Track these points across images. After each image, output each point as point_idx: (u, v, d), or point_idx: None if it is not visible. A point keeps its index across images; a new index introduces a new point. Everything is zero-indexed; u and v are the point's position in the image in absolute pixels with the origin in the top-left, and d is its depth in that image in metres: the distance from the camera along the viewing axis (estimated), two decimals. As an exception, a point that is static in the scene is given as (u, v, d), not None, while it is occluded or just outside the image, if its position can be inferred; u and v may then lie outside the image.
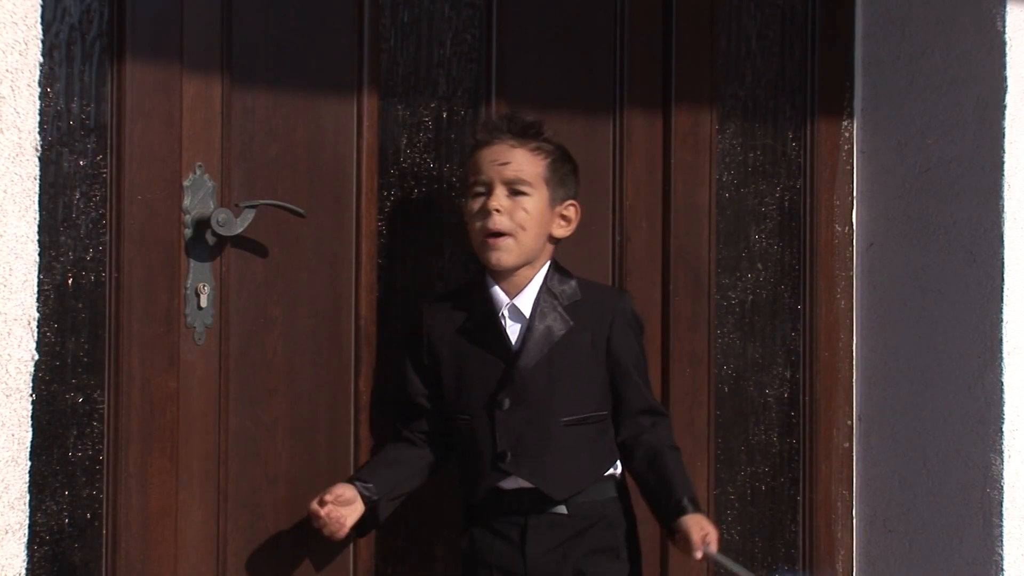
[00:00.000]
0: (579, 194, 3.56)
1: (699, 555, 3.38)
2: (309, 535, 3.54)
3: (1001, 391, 3.92)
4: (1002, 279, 3.92)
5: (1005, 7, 3.91)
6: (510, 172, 3.46)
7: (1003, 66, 3.91)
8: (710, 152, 4.01)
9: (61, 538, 3.27)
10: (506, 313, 3.49)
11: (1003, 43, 3.91)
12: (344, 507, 3.39)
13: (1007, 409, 3.92)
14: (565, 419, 3.47)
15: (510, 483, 3.47)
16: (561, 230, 3.53)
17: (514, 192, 3.46)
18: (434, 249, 3.70)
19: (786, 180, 4.13)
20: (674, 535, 3.45)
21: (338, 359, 3.58)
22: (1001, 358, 3.92)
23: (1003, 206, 3.92)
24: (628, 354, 3.53)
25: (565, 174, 3.53)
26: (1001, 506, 3.93)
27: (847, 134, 4.19)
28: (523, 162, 3.47)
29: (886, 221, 4.14)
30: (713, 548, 3.38)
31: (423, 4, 3.68)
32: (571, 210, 3.54)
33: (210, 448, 3.43)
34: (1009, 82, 3.91)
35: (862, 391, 4.19)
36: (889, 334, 4.13)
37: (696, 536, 3.38)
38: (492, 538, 3.48)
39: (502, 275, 3.49)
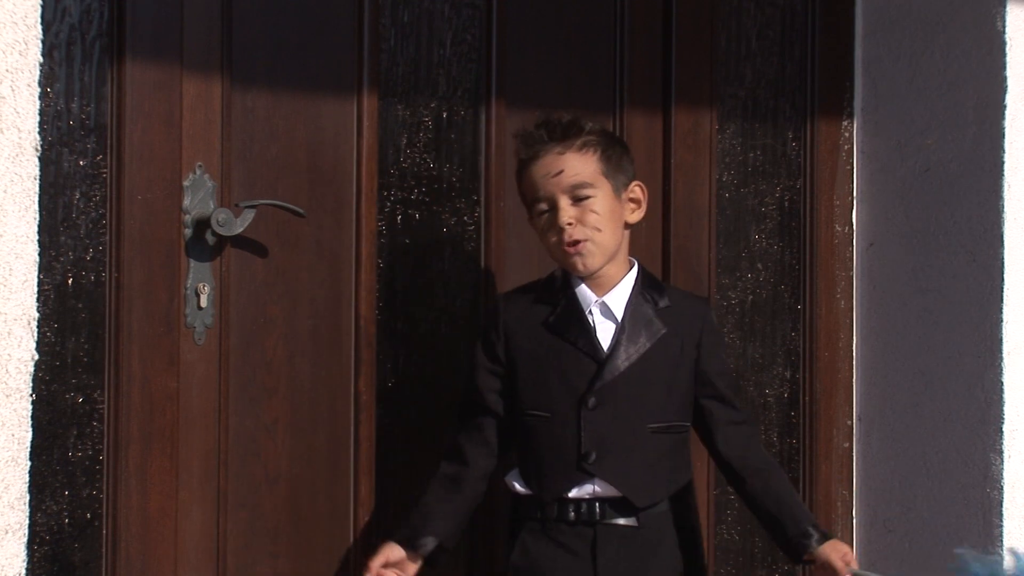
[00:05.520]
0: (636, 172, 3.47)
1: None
2: (309, 535, 3.53)
3: (1001, 391, 3.92)
4: (1002, 279, 3.91)
5: (1005, 7, 3.91)
6: (567, 180, 3.33)
7: (1003, 66, 3.91)
8: (710, 152, 4.01)
9: (61, 538, 3.27)
10: (595, 310, 3.37)
11: (1003, 43, 3.91)
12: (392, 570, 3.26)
13: (1007, 409, 3.92)
14: (653, 425, 3.36)
15: (577, 491, 3.33)
16: (634, 215, 3.42)
17: (578, 198, 3.32)
18: (434, 249, 3.70)
19: (786, 180, 4.13)
20: (803, 563, 3.41)
21: (338, 359, 3.58)
22: (1001, 358, 3.92)
23: (1003, 206, 3.92)
24: (716, 363, 3.44)
25: (619, 158, 3.40)
26: (1001, 506, 3.93)
27: (847, 134, 4.19)
28: (576, 164, 3.34)
29: (886, 221, 4.14)
30: (854, 564, 3.31)
31: (423, 4, 3.68)
32: (637, 191, 3.43)
33: (210, 448, 3.43)
34: (1009, 82, 3.91)
35: (862, 391, 4.18)
36: (889, 334, 4.13)
37: (838, 562, 3.30)
38: (554, 550, 3.34)
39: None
